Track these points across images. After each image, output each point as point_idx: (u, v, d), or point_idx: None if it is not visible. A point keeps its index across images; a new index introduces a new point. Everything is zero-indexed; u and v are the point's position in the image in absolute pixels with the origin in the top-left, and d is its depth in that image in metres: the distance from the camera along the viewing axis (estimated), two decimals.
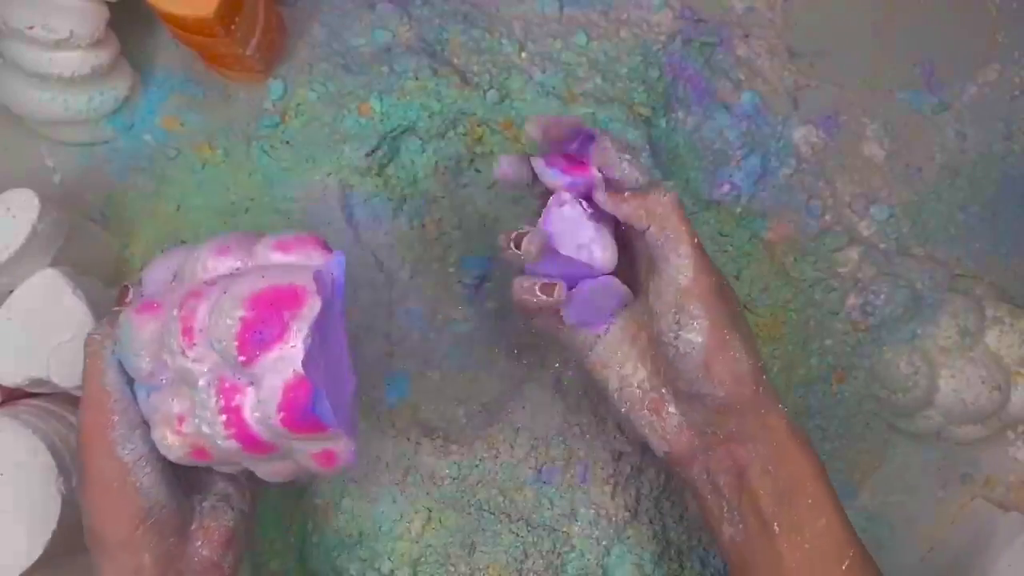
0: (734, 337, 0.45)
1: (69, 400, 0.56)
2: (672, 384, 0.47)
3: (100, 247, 0.59)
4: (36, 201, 0.52)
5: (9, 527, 0.51)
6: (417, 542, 0.59)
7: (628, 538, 0.60)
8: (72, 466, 0.53)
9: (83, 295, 0.52)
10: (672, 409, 0.47)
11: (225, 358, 0.40)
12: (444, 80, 0.61)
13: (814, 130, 0.67)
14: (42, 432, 0.52)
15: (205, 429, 0.41)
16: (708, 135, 0.65)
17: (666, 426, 0.47)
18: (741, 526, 0.46)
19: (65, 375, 0.52)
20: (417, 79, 0.61)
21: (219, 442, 0.41)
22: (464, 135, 0.62)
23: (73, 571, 0.59)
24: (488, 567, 0.59)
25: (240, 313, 0.39)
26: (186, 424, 0.42)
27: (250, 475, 0.46)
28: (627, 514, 0.60)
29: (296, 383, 0.39)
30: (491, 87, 0.62)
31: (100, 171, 0.62)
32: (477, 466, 0.60)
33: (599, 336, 0.49)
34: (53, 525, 0.51)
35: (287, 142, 0.61)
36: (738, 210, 0.65)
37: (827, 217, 0.65)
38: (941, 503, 0.66)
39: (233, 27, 0.55)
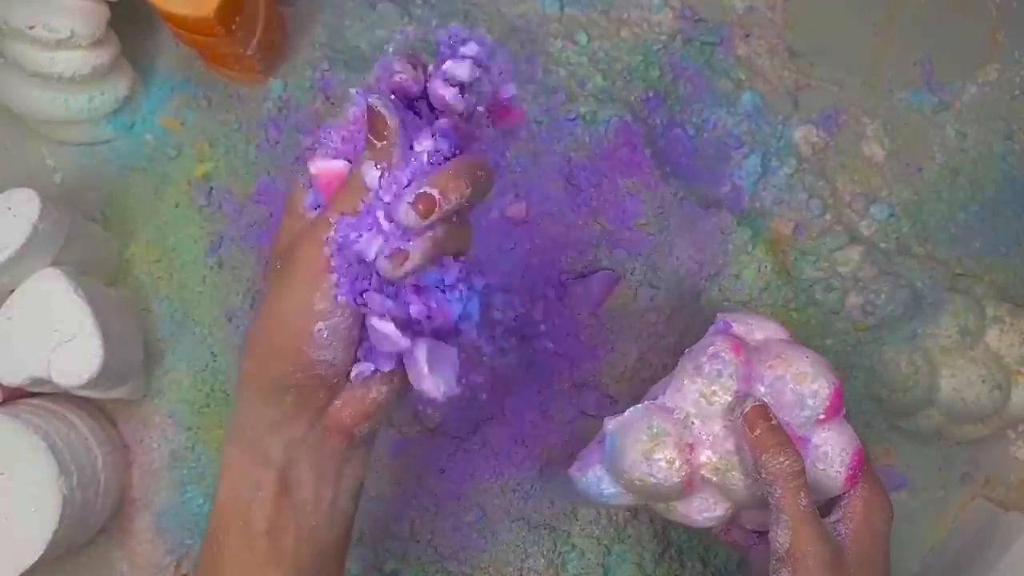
0: None
1: (70, 400, 0.56)
2: None
3: (101, 246, 0.59)
4: (37, 200, 0.52)
5: (10, 526, 0.51)
6: (418, 541, 0.59)
7: (629, 537, 0.60)
8: (72, 465, 0.53)
9: (84, 294, 0.52)
10: None
11: None
12: None
13: (814, 129, 0.67)
14: (43, 431, 0.52)
15: None
16: (708, 135, 0.65)
17: None
18: None
19: (66, 375, 0.52)
20: None
21: None
22: None
23: (74, 570, 0.59)
24: (489, 566, 0.59)
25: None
26: None
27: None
28: (627, 513, 0.60)
29: None
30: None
31: (101, 171, 0.62)
32: (478, 465, 0.60)
33: (752, 550, 0.52)
34: (54, 524, 0.51)
35: (287, 142, 0.61)
36: (739, 209, 0.65)
37: (827, 216, 0.65)
38: (942, 503, 0.66)
39: (234, 27, 0.55)
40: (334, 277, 0.40)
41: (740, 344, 0.48)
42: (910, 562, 0.66)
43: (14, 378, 0.52)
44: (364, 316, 0.41)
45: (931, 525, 0.66)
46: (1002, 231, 0.67)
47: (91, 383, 0.52)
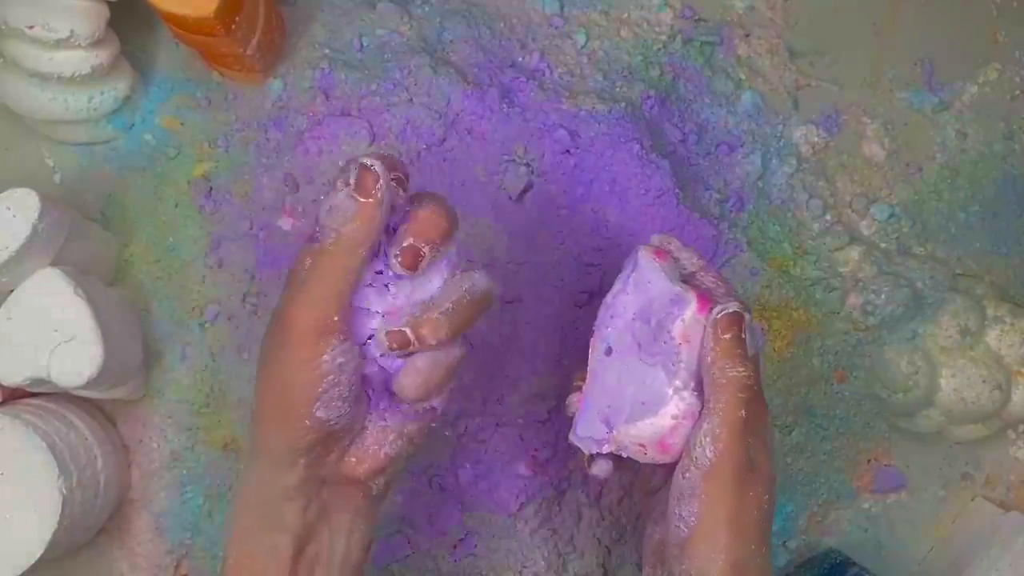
0: (727, 532, 0.43)
1: (70, 399, 0.56)
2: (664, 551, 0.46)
3: (100, 246, 0.59)
4: (36, 200, 0.52)
5: (10, 526, 0.51)
6: (418, 541, 0.59)
7: (630, 538, 0.60)
8: (72, 465, 0.53)
9: (84, 294, 0.52)
10: (669, 572, 0.45)
11: None
12: (444, 79, 0.61)
13: (815, 129, 0.67)
14: (43, 431, 0.52)
15: None
16: (709, 134, 0.65)
17: None
18: None
19: (66, 375, 0.52)
20: (418, 78, 0.61)
21: None
22: (468, 133, 0.62)
23: (74, 570, 0.59)
24: (489, 571, 0.59)
25: None
26: None
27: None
28: (629, 514, 0.60)
29: None
30: (491, 86, 0.62)
31: (100, 171, 0.62)
32: (480, 465, 0.60)
33: (663, 482, 0.48)
34: (54, 524, 0.51)
35: (287, 142, 0.61)
36: (739, 209, 0.65)
37: (828, 216, 0.65)
38: (942, 503, 0.66)
39: (233, 27, 0.55)
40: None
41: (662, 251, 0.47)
42: (910, 562, 0.66)
43: (14, 378, 0.52)
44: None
45: (931, 525, 0.66)
46: (1002, 231, 0.67)
47: (91, 383, 0.52)
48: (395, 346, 0.42)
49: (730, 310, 0.44)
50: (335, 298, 0.41)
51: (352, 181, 0.41)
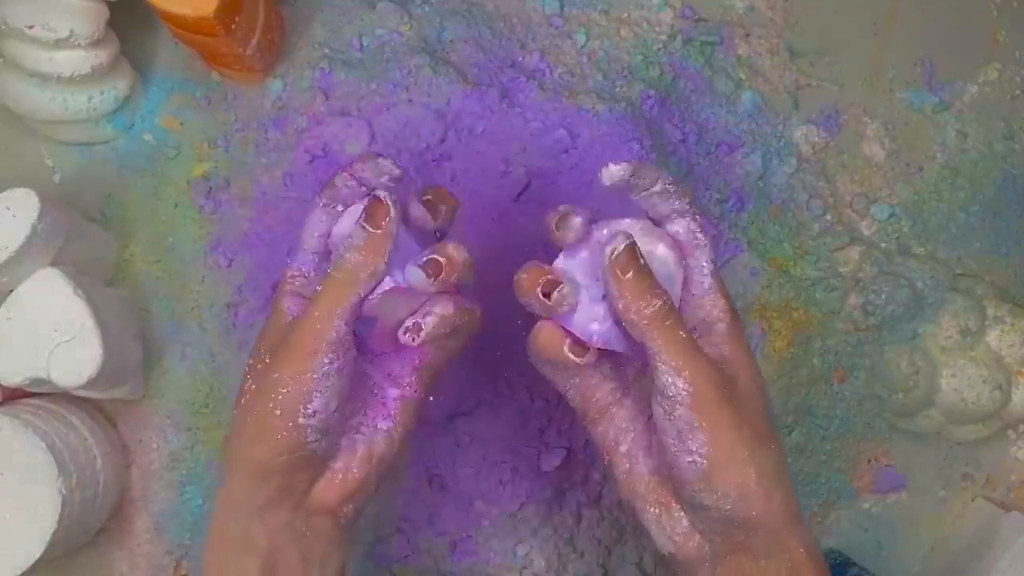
0: (742, 446, 0.41)
1: (70, 400, 0.56)
2: (677, 490, 0.43)
3: (100, 246, 0.59)
4: (36, 200, 0.52)
5: (9, 526, 0.51)
6: (416, 540, 0.59)
7: (630, 538, 0.60)
8: (72, 466, 0.53)
9: (83, 294, 0.52)
10: (681, 510, 0.44)
11: None
12: (444, 79, 0.61)
13: (815, 129, 0.67)
14: (42, 432, 0.52)
15: None
16: (709, 134, 0.65)
17: (675, 527, 0.44)
18: None
19: (65, 375, 0.52)
20: (418, 78, 0.61)
21: None
22: (467, 133, 0.62)
23: (74, 570, 0.59)
24: (490, 568, 0.59)
25: None
26: None
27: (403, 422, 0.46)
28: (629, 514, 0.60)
29: None
30: (491, 85, 0.62)
31: (100, 170, 0.62)
32: (477, 467, 0.60)
33: (611, 410, 0.46)
34: (53, 525, 0.51)
35: (286, 141, 0.61)
36: (739, 209, 0.64)
37: (828, 216, 0.65)
38: (942, 503, 0.66)
39: (233, 26, 0.55)
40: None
41: None
42: (910, 562, 0.66)
43: (14, 378, 0.52)
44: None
45: (931, 525, 0.66)
46: (1003, 231, 0.67)
47: (91, 383, 0.52)
48: (430, 272, 0.43)
49: (619, 247, 0.42)
50: (333, 318, 0.42)
51: (364, 211, 0.42)
